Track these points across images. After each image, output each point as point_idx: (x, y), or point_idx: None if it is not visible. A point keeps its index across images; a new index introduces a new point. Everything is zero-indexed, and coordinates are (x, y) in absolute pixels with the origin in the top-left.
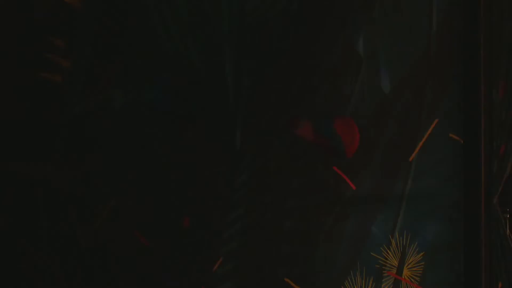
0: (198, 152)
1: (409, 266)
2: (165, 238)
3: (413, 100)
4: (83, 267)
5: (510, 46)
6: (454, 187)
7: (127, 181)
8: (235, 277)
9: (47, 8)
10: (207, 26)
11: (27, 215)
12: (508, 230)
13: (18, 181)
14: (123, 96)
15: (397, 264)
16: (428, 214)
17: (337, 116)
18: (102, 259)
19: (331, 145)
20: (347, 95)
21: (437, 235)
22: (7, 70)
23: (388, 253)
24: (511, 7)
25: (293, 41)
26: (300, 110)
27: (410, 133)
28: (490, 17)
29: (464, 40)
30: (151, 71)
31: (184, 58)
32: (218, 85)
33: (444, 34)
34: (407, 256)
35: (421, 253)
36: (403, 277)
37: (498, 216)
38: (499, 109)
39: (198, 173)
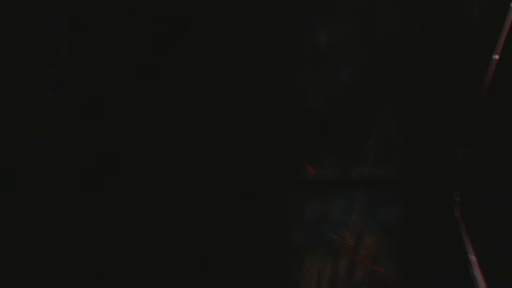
0: None
1: (365, 246)
2: None
3: (371, 91)
4: None
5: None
6: (409, 173)
7: None
8: None
9: None
10: None
11: None
12: (459, 213)
13: None
14: None
15: (353, 245)
16: (384, 198)
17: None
18: None
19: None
20: (304, 86)
21: (390, 218)
22: None
23: (345, 235)
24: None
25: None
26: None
27: (369, 122)
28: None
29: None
30: None
31: None
32: None
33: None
34: (363, 237)
35: (376, 235)
36: (359, 256)
37: (449, 200)
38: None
39: None
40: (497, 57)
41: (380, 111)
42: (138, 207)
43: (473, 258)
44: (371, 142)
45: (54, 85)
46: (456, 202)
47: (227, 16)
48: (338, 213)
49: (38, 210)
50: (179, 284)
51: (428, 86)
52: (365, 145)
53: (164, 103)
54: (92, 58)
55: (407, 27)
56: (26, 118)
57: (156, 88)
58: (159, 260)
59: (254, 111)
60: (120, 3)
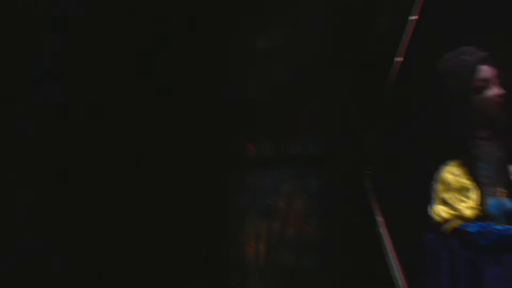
0: None
1: (295, 210)
2: None
3: (301, 85)
4: None
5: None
6: (331, 151)
7: None
8: None
9: None
10: None
11: None
12: (369, 184)
13: None
14: None
15: (285, 208)
16: (310, 171)
17: None
18: None
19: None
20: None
21: (315, 187)
22: None
23: (279, 201)
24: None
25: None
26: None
27: (299, 110)
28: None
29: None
30: None
31: None
32: None
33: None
34: (293, 203)
35: (304, 201)
36: (290, 218)
37: (360, 174)
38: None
39: None
40: (400, 59)
41: (308, 101)
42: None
43: (380, 219)
44: (300, 126)
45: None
46: (367, 175)
47: (180, 16)
48: (272, 183)
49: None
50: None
51: (343, 81)
52: (296, 128)
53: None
54: None
55: (327, 32)
56: None
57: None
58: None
59: (203, 102)
60: None
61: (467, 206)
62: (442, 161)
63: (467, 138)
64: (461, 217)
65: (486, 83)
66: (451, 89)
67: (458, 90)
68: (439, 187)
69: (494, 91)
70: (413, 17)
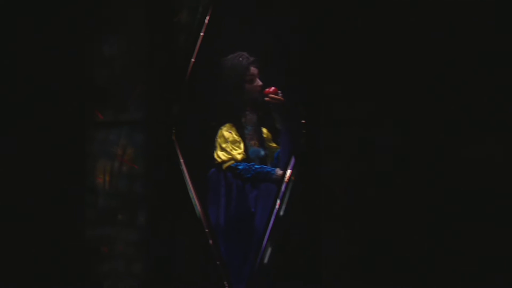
0: None
1: (127, 155)
2: None
3: (129, 75)
4: None
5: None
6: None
7: None
8: None
9: None
10: None
11: None
12: (174, 137)
13: None
14: None
15: (122, 154)
16: (137, 130)
17: None
18: None
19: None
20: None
21: (140, 140)
22: None
23: (118, 149)
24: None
25: None
26: None
27: (130, 90)
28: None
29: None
30: None
31: None
32: None
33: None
34: (127, 150)
35: (133, 149)
36: (124, 160)
37: (172, 130)
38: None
39: None
40: (193, 60)
41: (135, 85)
42: None
43: (181, 160)
44: (131, 101)
45: None
46: (174, 132)
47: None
48: (114, 138)
49: None
50: None
51: (157, 73)
52: (127, 102)
53: None
54: None
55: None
56: None
57: None
58: None
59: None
60: None
61: (238, 152)
62: (222, 123)
63: (238, 110)
64: (233, 159)
65: (253, 77)
66: (231, 78)
67: (236, 80)
68: (219, 139)
69: (257, 83)
70: (202, 34)
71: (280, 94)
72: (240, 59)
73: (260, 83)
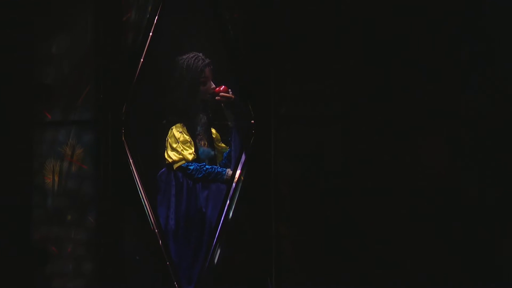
0: None
1: (76, 155)
2: None
3: (79, 76)
4: None
5: None
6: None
7: None
8: None
9: None
10: None
11: None
12: (125, 138)
13: None
14: None
15: (70, 153)
16: (86, 129)
17: None
18: None
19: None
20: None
21: (90, 140)
22: None
23: (66, 149)
24: None
25: None
26: None
27: (81, 90)
28: None
29: None
30: None
31: None
32: None
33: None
34: (75, 150)
35: (82, 148)
36: (73, 160)
37: (121, 131)
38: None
39: None
40: (142, 60)
41: (84, 86)
42: None
43: (130, 160)
44: (80, 101)
45: None
46: (124, 133)
47: None
48: (62, 138)
49: None
50: None
51: (106, 73)
52: (76, 103)
53: None
54: None
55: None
56: None
57: None
58: None
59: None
60: None
61: (189, 152)
62: (173, 123)
63: (190, 110)
64: (184, 159)
65: (206, 79)
66: (185, 79)
67: (190, 81)
68: (170, 139)
69: (210, 85)
70: (150, 34)
71: (230, 92)
72: (196, 60)
73: (213, 85)
